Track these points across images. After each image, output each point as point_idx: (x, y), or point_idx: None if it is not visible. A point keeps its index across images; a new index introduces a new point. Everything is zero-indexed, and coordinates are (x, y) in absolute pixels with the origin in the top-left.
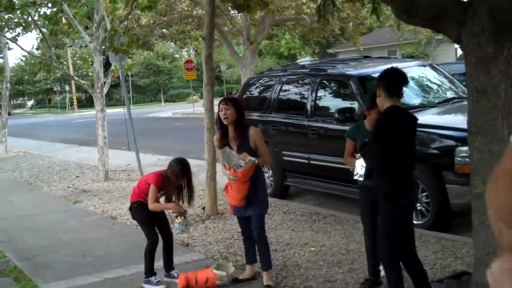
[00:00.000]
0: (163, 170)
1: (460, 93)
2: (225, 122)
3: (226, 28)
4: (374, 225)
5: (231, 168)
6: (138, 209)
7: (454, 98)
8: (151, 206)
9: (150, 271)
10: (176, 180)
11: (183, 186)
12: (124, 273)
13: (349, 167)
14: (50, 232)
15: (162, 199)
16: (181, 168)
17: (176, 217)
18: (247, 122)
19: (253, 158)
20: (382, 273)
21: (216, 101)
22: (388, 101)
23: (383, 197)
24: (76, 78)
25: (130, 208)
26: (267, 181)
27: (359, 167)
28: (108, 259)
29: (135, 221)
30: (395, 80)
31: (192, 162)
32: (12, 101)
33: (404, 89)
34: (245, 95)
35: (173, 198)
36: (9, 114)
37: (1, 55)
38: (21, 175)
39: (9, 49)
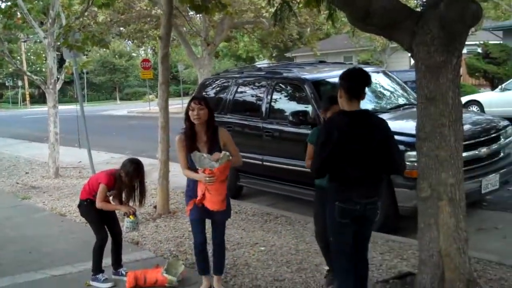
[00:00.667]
0: (116, 169)
1: (412, 100)
2: (196, 121)
3: (184, 28)
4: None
5: (206, 170)
6: (88, 207)
7: (405, 104)
8: (99, 205)
9: (98, 269)
10: (129, 180)
11: (135, 187)
12: (71, 270)
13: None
14: None
15: (111, 198)
16: (134, 168)
17: (128, 215)
18: (216, 123)
19: (227, 153)
20: None
21: (172, 101)
22: (347, 104)
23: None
24: (28, 73)
25: (79, 206)
26: None
27: None
28: (56, 256)
29: (84, 218)
30: (356, 82)
31: (146, 160)
32: None
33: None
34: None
35: (123, 198)
36: None
37: None
38: None
39: None
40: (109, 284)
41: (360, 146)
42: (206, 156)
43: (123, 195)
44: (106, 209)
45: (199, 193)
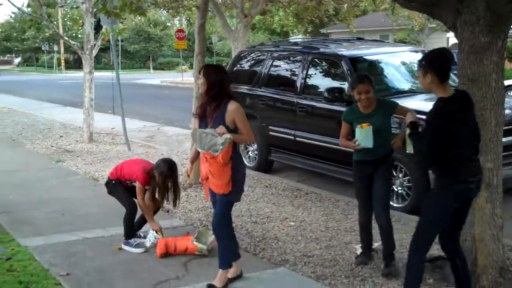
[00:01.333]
0: (150, 167)
1: (450, 82)
2: (201, 91)
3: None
4: (370, 200)
5: (206, 154)
6: (115, 185)
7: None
8: (141, 202)
9: (129, 235)
10: (162, 181)
11: (169, 187)
12: (103, 233)
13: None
14: (31, 189)
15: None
16: (167, 169)
17: (156, 231)
18: (229, 95)
19: (228, 135)
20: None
21: None
22: (438, 88)
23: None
24: (66, 38)
25: (107, 184)
26: (251, 154)
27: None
28: (88, 219)
29: (111, 195)
30: (448, 63)
31: (177, 130)
32: None
33: (395, 74)
34: (235, 68)
35: (157, 197)
36: None
37: None
38: (4, 131)
39: None
40: (141, 249)
41: (469, 127)
42: (209, 132)
43: (157, 195)
44: (144, 211)
45: (202, 174)
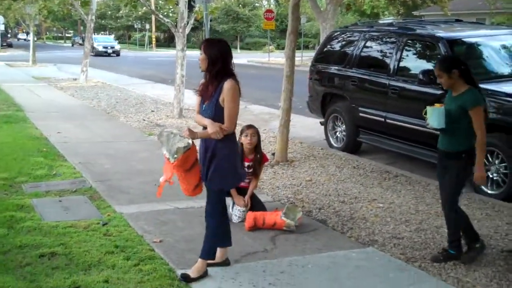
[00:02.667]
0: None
1: None
2: (201, 68)
3: None
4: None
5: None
6: None
7: None
8: None
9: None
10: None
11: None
12: (193, 205)
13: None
14: (125, 159)
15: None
16: (245, 127)
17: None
18: (227, 73)
19: (186, 142)
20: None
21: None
22: None
23: None
24: (160, 16)
25: None
26: (339, 135)
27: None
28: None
29: None
30: None
31: (264, 109)
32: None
33: (495, 57)
34: (326, 48)
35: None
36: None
37: None
38: (99, 104)
39: None
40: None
41: None
42: (177, 133)
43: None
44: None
45: (166, 176)
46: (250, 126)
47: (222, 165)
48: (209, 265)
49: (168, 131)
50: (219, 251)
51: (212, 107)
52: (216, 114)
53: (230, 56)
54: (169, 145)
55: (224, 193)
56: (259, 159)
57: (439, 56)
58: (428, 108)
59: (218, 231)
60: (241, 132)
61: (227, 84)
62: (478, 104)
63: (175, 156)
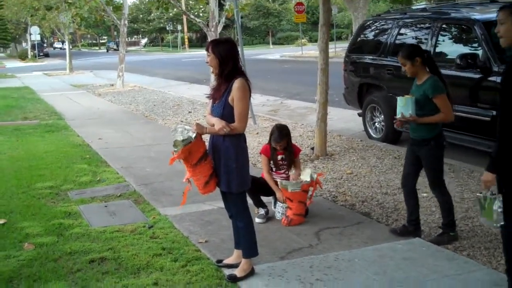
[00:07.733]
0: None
1: None
2: (212, 69)
3: None
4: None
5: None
6: None
7: None
8: (266, 175)
9: (259, 203)
10: (275, 143)
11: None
12: None
13: None
14: (165, 162)
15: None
16: (275, 128)
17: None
18: (238, 72)
19: (187, 136)
20: None
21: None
22: None
23: None
24: (192, 16)
25: None
26: (377, 126)
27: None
28: (218, 192)
29: None
30: None
31: (300, 103)
32: (127, 39)
33: None
34: (359, 38)
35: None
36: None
37: None
38: (137, 108)
39: None
40: (261, 220)
41: None
42: (190, 129)
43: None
44: (269, 183)
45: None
46: (281, 136)
47: (230, 166)
48: (223, 266)
49: (182, 126)
50: (235, 252)
51: (221, 106)
52: (224, 112)
53: (238, 55)
54: (174, 138)
55: (243, 193)
56: (291, 151)
57: (476, 39)
58: (401, 98)
59: (250, 226)
60: (271, 134)
61: (237, 83)
62: (438, 92)
63: (175, 149)
